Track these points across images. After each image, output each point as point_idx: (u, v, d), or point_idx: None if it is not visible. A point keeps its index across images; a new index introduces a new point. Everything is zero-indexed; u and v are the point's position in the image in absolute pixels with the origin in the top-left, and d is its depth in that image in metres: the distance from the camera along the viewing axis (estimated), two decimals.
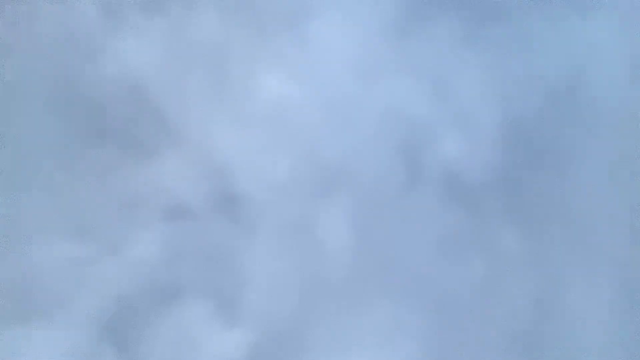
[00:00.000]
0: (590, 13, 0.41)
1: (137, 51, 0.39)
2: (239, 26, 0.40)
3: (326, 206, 0.39)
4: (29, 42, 0.40)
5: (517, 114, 0.40)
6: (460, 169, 0.39)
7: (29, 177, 0.38)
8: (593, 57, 0.41)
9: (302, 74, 0.40)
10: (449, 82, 0.40)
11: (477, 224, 0.39)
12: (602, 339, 0.37)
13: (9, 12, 0.38)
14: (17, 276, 0.37)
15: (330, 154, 0.40)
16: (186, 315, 0.37)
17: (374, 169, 0.39)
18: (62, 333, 0.36)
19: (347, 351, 0.40)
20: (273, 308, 0.37)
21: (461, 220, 0.39)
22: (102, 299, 0.37)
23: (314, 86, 0.40)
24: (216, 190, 0.38)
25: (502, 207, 0.39)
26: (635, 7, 0.41)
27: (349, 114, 0.40)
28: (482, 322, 0.37)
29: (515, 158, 0.39)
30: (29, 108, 0.39)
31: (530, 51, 0.41)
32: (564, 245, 0.39)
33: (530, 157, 0.40)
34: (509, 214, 0.39)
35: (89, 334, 0.36)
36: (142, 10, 0.39)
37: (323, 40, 0.41)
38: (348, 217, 0.39)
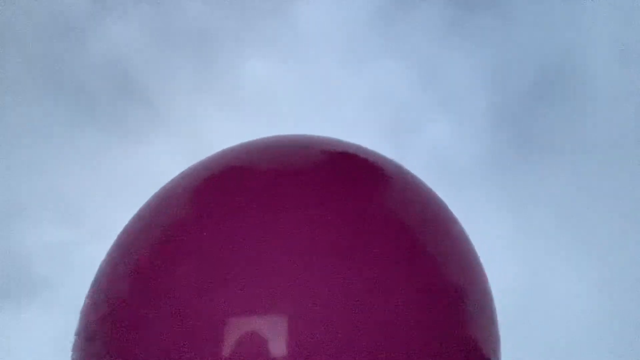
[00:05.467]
0: None
1: (125, 35, 0.39)
2: (227, 9, 0.40)
3: None
4: (15, 25, 0.39)
5: (506, 98, 0.40)
6: (447, 153, 0.39)
7: (15, 160, 0.38)
8: (583, 40, 0.41)
9: (289, 57, 0.40)
10: (436, 66, 0.40)
11: (464, 208, 0.39)
12: (588, 324, 0.38)
13: None
14: (4, 260, 0.36)
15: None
16: None
17: None
18: (50, 316, 0.36)
19: None
20: None
21: (448, 204, 0.39)
22: (90, 282, 0.37)
23: (302, 69, 0.40)
24: None
25: (490, 191, 0.40)
26: None
27: (336, 98, 0.40)
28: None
29: (504, 142, 0.39)
30: (14, 92, 0.38)
31: (519, 35, 0.41)
32: (552, 231, 0.39)
33: (519, 141, 0.40)
34: (497, 199, 0.39)
35: (76, 317, 0.36)
36: None
37: (311, 23, 0.40)
38: None
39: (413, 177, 0.20)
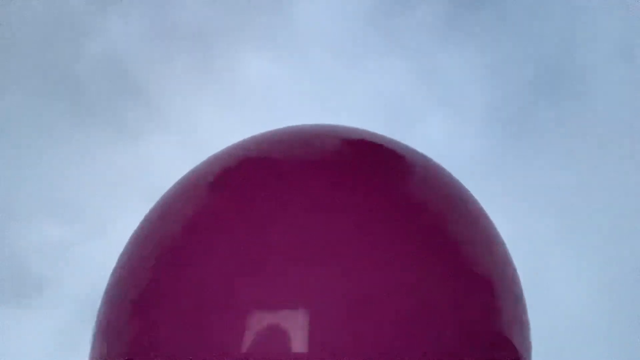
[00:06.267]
0: None
1: (122, 32, 0.39)
2: (225, 6, 0.40)
3: None
4: (12, 22, 0.39)
5: (504, 95, 0.40)
6: (445, 150, 0.39)
7: (13, 158, 0.38)
8: (582, 37, 0.41)
9: (287, 54, 0.40)
10: (435, 62, 0.40)
11: None
12: (587, 320, 0.38)
13: None
14: (2, 258, 0.36)
15: None
16: None
17: None
18: (48, 314, 0.36)
19: None
20: None
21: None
22: (89, 280, 0.37)
23: (300, 66, 0.40)
24: None
25: (488, 188, 0.40)
26: None
27: (334, 95, 0.40)
28: None
29: (502, 139, 0.39)
30: (12, 89, 0.38)
31: (517, 31, 0.41)
32: (550, 228, 0.39)
33: (517, 138, 0.40)
34: (495, 196, 0.39)
35: (75, 316, 0.36)
36: None
37: (309, 20, 0.40)
38: None
39: (435, 164, 0.20)
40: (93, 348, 0.17)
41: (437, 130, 0.39)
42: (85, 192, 0.37)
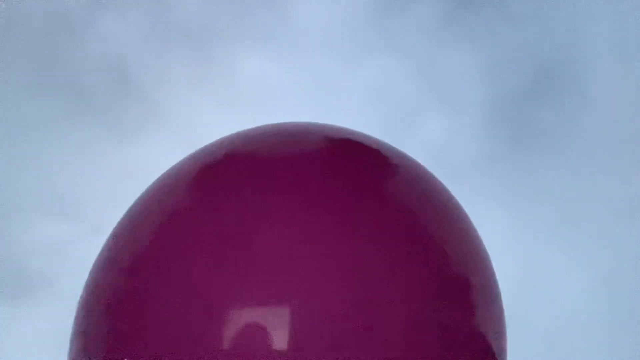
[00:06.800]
0: None
1: (122, 30, 0.39)
2: (224, 5, 0.40)
3: None
4: (12, 20, 0.39)
5: (503, 94, 0.40)
6: (444, 148, 0.39)
7: (12, 156, 0.38)
8: (581, 36, 0.41)
9: (286, 53, 0.40)
10: (434, 61, 0.40)
11: (461, 203, 0.39)
12: (585, 318, 0.38)
13: None
14: (2, 256, 0.36)
15: None
16: None
17: None
18: (47, 312, 0.36)
19: None
20: None
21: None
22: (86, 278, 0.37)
23: (299, 65, 0.40)
24: None
25: (487, 186, 0.40)
26: None
27: (333, 93, 0.40)
28: None
29: (501, 138, 0.40)
30: (11, 87, 0.38)
31: (517, 30, 0.41)
32: (548, 226, 0.39)
33: (516, 137, 0.40)
34: (494, 194, 0.40)
35: (74, 314, 0.36)
36: None
37: (308, 19, 0.40)
38: None
39: (417, 164, 0.20)
40: (71, 350, 0.17)
41: (435, 130, 0.39)
42: (84, 190, 0.37)
